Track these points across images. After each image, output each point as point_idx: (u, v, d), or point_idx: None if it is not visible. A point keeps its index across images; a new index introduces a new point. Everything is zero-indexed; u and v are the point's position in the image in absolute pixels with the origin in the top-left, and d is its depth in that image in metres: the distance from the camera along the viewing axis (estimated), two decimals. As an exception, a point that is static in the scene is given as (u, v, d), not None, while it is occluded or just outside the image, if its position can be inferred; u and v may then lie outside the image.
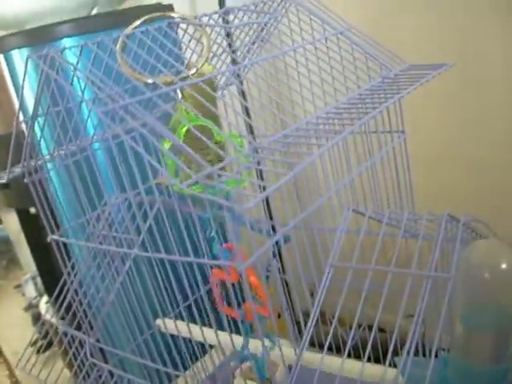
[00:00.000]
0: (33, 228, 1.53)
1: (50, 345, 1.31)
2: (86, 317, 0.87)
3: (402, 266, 0.70)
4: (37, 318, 3.01)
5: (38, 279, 3.33)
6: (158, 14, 0.65)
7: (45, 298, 1.79)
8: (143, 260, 0.72)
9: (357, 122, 0.59)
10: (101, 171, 0.82)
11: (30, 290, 3.33)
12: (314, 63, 0.72)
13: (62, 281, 0.87)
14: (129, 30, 0.62)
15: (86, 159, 0.79)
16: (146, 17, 0.64)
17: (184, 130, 0.62)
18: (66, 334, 0.85)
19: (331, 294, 0.68)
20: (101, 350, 0.85)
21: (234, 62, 0.90)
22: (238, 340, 0.78)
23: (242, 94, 1.04)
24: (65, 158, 0.75)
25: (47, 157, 0.74)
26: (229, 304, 0.76)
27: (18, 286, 3.59)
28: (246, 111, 1.16)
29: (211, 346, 0.79)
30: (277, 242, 0.62)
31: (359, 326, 0.82)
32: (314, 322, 0.67)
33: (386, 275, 0.63)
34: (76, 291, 0.84)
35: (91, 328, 0.84)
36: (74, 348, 0.83)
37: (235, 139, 0.62)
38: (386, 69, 0.77)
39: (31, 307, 3.23)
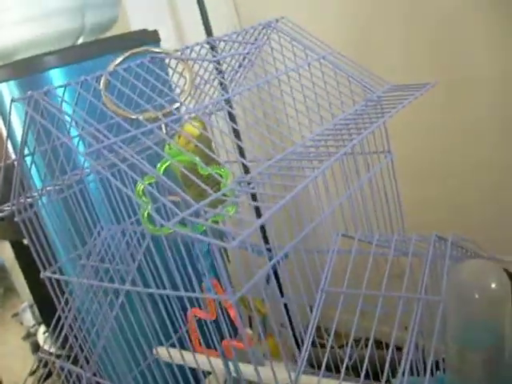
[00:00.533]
0: (27, 259, 1.53)
1: (50, 374, 1.31)
2: (83, 351, 0.87)
3: (395, 281, 0.71)
4: (36, 347, 2.99)
5: (35, 307, 3.31)
6: (140, 49, 0.66)
7: (42, 328, 1.79)
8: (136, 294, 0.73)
9: (344, 145, 0.60)
10: (88, 206, 0.82)
11: (28, 319, 3.31)
12: (299, 90, 0.73)
13: (57, 315, 0.87)
14: (111, 67, 0.62)
15: (73, 194, 0.80)
16: (128, 53, 0.65)
17: (164, 166, 0.63)
18: (62, 369, 0.85)
19: (326, 308, 0.68)
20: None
21: (224, 89, 0.91)
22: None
23: (231, 119, 1.05)
24: (52, 194, 0.75)
25: (36, 194, 0.74)
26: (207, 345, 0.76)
27: (16, 315, 3.57)
28: (237, 136, 1.16)
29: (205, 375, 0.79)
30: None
31: (355, 341, 0.82)
32: (309, 345, 0.68)
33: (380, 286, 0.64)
34: (71, 325, 0.84)
35: (88, 362, 0.83)
36: (72, 383, 0.82)
37: (218, 171, 0.62)
38: (369, 91, 0.77)
39: (30, 336, 3.21)
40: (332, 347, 0.66)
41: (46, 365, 1.03)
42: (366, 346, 0.66)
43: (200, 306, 0.77)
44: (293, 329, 0.83)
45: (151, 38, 1.38)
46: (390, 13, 1.26)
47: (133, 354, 0.85)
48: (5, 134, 1.27)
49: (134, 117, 0.58)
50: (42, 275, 0.77)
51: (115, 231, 0.82)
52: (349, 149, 0.71)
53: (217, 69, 0.84)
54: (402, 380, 0.60)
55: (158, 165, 0.62)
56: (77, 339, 0.87)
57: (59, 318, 0.86)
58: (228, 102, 0.89)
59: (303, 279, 0.74)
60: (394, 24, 1.26)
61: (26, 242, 1.50)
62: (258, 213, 1.31)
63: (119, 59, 0.64)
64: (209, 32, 1.60)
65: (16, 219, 0.73)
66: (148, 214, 0.66)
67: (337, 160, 0.60)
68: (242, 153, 1.13)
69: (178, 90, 0.70)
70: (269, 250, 0.87)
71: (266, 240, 1.20)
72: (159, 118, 0.56)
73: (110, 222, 0.77)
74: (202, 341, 0.76)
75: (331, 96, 0.75)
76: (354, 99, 0.76)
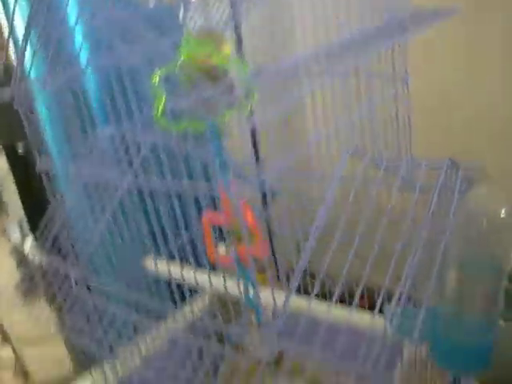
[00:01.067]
0: (20, 166, 1.51)
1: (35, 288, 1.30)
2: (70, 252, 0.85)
3: (392, 228, 0.69)
4: (22, 262, 3.00)
5: (24, 224, 3.32)
6: None
7: (30, 240, 1.78)
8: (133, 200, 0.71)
9: (359, 58, 0.57)
10: (91, 102, 0.79)
11: (15, 234, 3.32)
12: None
13: (49, 214, 0.85)
14: None
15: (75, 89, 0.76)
16: None
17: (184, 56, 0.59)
18: (50, 267, 0.83)
19: (319, 252, 0.66)
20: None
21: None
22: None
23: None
24: (54, 85, 0.72)
25: (38, 83, 0.71)
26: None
27: (3, 231, 3.57)
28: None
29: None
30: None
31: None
32: (305, 265, 0.66)
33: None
34: (63, 225, 0.82)
35: (77, 262, 0.82)
36: (59, 281, 0.81)
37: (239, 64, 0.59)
38: (392, 11, 0.74)
39: (16, 251, 3.22)
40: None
41: (30, 278, 1.02)
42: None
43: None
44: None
45: None
46: None
47: (122, 263, 0.84)
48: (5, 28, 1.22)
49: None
50: (37, 168, 0.74)
51: (116, 132, 0.79)
52: (365, 68, 0.69)
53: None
54: (397, 306, 0.59)
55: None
56: (66, 242, 0.86)
57: (51, 217, 0.85)
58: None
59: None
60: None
61: (20, 151, 1.48)
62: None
63: None
64: None
65: (15, 106, 0.70)
66: (161, 108, 0.63)
67: (353, 72, 0.58)
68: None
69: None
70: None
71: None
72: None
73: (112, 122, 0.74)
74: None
75: (352, 13, 0.72)
76: (374, 18, 0.72)
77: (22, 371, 2.47)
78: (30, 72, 0.72)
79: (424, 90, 1.11)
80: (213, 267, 0.74)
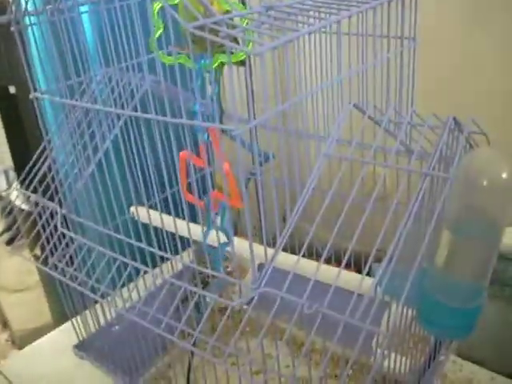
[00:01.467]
0: (11, 110, 1.47)
1: (17, 236, 1.28)
2: (57, 192, 0.84)
3: (389, 193, 0.68)
4: (7, 210, 2.97)
5: (11, 172, 3.28)
6: None
7: (16, 185, 1.75)
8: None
9: (366, 4, 0.55)
10: (88, 37, 0.76)
11: (1, 183, 3.28)
12: None
13: (38, 150, 0.83)
14: None
15: (72, 22, 0.72)
16: None
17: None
18: (37, 204, 0.82)
19: (310, 216, 0.65)
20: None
21: None
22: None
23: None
24: (51, 14, 0.69)
25: (38, 9, 0.68)
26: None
27: (-12, 179, 3.53)
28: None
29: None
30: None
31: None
32: (293, 224, 0.65)
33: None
34: (52, 162, 0.80)
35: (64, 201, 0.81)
36: (44, 219, 0.80)
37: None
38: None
39: (1, 199, 3.19)
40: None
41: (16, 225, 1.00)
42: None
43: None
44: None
45: None
46: None
47: (109, 207, 0.82)
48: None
49: None
50: (31, 96, 0.72)
51: (112, 74, 0.77)
52: (366, 22, 0.67)
53: None
54: (387, 266, 0.59)
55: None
56: (53, 181, 0.84)
57: (40, 154, 0.83)
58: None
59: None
60: None
61: (11, 90, 1.45)
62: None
63: None
64: None
65: (12, 28, 0.67)
66: (158, 38, 0.61)
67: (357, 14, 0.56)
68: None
69: None
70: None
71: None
72: None
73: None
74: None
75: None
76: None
77: (0, 319, 2.47)
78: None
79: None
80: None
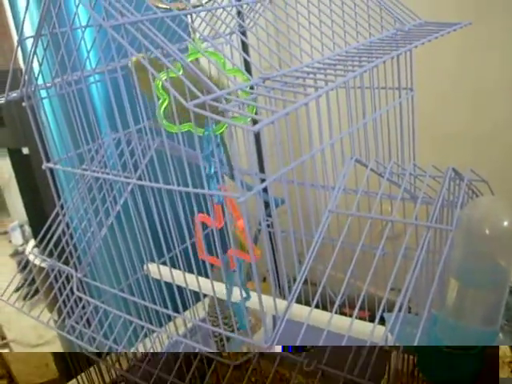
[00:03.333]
0: (25, 169, 1.51)
1: (36, 293, 1.29)
2: (72, 256, 0.86)
3: (398, 233, 0.69)
4: (23, 266, 3.01)
5: (26, 227, 3.32)
6: None
7: (32, 243, 1.78)
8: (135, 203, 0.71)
9: (363, 67, 0.57)
10: (96, 106, 0.79)
11: (17, 238, 3.32)
12: (326, 5, 0.70)
13: (53, 215, 0.86)
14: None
15: (80, 92, 0.75)
16: None
17: (193, 57, 0.60)
18: (52, 269, 0.84)
19: (322, 262, 0.66)
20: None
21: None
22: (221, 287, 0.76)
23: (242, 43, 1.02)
24: (60, 88, 0.72)
25: (47, 84, 0.71)
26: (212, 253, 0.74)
27: (5, 233, 3.58)
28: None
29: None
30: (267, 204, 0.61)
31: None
32: (305, 275, 0.66)
33: (380, 240, 0.62)
34: (66, 227, 0.82)
35: (79, 264, 0.83)
36: (60, 283, 0.82)
37: (238, 74, 0.59)
38: (400, 22, 0.75)
39: (17, 254, 3.23)
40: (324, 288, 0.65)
41: (32, 282, 1.02)
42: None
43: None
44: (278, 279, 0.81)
45: None
46: None
47: (123, 266, 0.84)
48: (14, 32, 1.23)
49: (162, 5, 0.56)
50: (43, 166, 0.74)
51: (121, 137, 0.79)
52: (370, 80, 0.70)
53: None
54: (398, 315, 0.59)
55: (185, 55, 0.60)
56: (68, 245, 0.86)
57: (54, 219, 0.85)
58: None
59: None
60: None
61: (25, 151, 1.49)
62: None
63: None
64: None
65: (24, 104, 0.70)
66: (164, 110, 0.64)
67: (353, 78, 0.58)
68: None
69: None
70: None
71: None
72: (188, 9, 0.53)
73: (115, 126, 0.74)
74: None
75: (360, 18, 0.72)
76: (383, 26, 0.73)
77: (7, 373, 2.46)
78: (38, 76, 0.73)
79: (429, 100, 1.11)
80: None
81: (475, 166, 0.66)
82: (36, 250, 1.68)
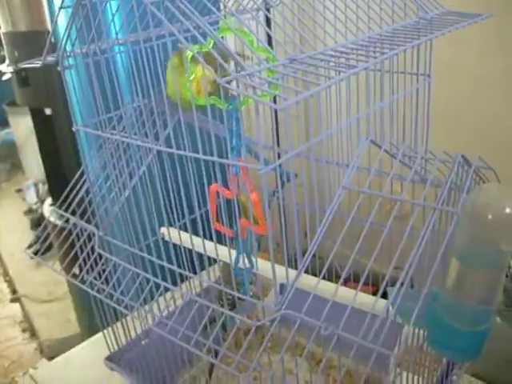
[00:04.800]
0: (46, 129, 1.55)
1: (46, 250, 1.34)
2: (94, 215, 0.90)
3: (406, 214, 0.72)
4: (36, 223, 3.07)
5: (40, 185, 3.38)
6: None
7: (48, 201, 1.83)
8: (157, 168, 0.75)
9: (389, 51, 0.60)
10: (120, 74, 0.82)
11: (31, 196, 3.39)
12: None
13: (76, 175, 0.89)
14: None
15: (108, 61, 0.78)
16: None
17: (221, 35, 0.63)
18: (75, 226, 0.88)
19: (330, 236, 0.70)
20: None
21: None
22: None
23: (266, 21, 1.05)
24: (95, 54, 0.75)
25: (81, 50, 0.74)
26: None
27: (20, 191, 3.65)
28: (268, 40, 1.15)
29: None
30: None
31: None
32: (314, 249, 0.70)
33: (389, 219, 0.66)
34: (90, 187, 0.86)
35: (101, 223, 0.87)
36: (82, 241, 0.86)
37: (265, 53, 0.63)
38: (423, 10, 0.77)
39: (31, 212, 3.30)
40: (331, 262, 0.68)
41: (46, 239, 1.06)
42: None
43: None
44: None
45: None
46: None
47: (142, 228, 0.88)
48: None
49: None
50: (74, 128, 0.78)
51: (145, 105, 0.82)
52: (390, 63, 0.72)
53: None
54: (400, 289, 0.63)
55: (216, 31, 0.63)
56: (90, 204, 0.90)
57: (78, 179, 0.89)
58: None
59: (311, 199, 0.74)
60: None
61: (47, 111, 1.52)
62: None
63: None
64: None
65: (59, 68, 0.73)
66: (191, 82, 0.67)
67: (374, 65, 0.60)
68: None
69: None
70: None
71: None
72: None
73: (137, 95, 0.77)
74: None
75: (384, 7, 0.75)
76: (406, 14, 0.75)
77: (29, 328, 2.54)
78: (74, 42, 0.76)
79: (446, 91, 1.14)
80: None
81: (485, 154, 0.69)
82: (53, 208, 1.73)
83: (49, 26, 1.33)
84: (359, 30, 0.68)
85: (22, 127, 3.26)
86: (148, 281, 0.78)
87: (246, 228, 0.76)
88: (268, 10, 0.97)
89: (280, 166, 0.60)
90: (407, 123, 0.79)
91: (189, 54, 0.64)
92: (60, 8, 0.67)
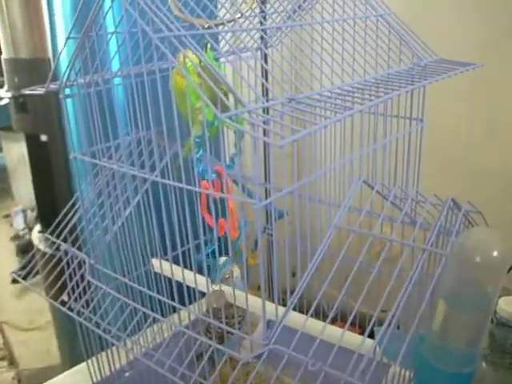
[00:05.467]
0: (41, 155, 1.55)
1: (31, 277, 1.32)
2: (85, 242, 0.90)
3: (395, 256, 0.74)
4: (22, 250, 3.05)
5: (29, 212, 3.37)
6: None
7: (37, 228, 1.82)
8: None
9: (383, 95, 0.62)
10: (119, 106, 0.83)
11: (19, 222, 3.37)
12: (350, 35, 0.75)
13: (70, 203, 0.90)
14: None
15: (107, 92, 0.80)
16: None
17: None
18: (66, 253, 0.88)
19: (319, 274, 0.71)
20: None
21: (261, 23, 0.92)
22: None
23: (265, 58, 1.07)
24: (97, 85, 0.77)
25: (83, 80, 0.76)
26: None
27: (7, 216, 3.63)
28: (265, 77, 1.17)
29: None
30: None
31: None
32: (305, 284, 0.70)
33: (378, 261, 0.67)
34: (84, 215, 0.87)
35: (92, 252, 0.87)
36: (72, 268, 0.86)
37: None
38: (417, 57, 0.79)
39: (18, 238, 3.28)
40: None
41: (33, 266, 1.06)
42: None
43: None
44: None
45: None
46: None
47: (134, 258, 0.89)
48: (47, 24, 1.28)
49: (182, 16, 0.60)
50: (71, 156, 0.79)
51: (144, 137, 0.84)
52: (383, 107, 0.74)
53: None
54: (387, 329, 0.63)
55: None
56: (82, 232, 0.91)
57: (70, 208, 0.90)
58: (266, 42, 0.91)
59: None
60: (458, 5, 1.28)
61: (43, 138, 1.53)
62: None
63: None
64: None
65: (61, 96, 0.75)
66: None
67: (372, 112, 0.62)
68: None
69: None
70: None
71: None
72: (224, 24, 0.58)
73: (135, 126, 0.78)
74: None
75: (380, 50, 0.77)
76: (401, 60, 0.78)
77: (9, 356, 2.50)
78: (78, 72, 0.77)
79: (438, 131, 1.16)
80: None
81: (475, 197, 0.71)
82: (42, 234, 1.73)
83: (50, 54, 1.34)
84: (355, 73, 0.70)
85: (15, 152, 3.26)
86: (136, 311, 0.78)
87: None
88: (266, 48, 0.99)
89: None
90: (399, 165, 0.80)
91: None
92: (67, 38, 0.69)
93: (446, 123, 1.32)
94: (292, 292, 0.70)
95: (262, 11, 0.78)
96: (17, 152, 3.17)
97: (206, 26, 0.62)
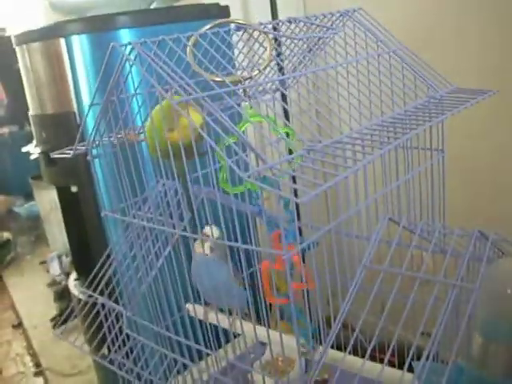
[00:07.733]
0: (72, 205, 1.59)
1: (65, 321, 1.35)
2: (121, 295, 0.92)
3: (424, 286, 0.74)
4: (59, 296, 3.09)
5: (64, 257, 3.42)
6: (227, 20, 0.70)
7: (73, 275, 1.86)
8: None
9: (401, 136, 0.63)
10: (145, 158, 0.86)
11: (55, 268, 3.42)
12: (365, 75, 0.76)
13: (103, 256, 0.92)
14: (202, 30, 0.67)
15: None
16: (218, 21, 0.69)
17: (245, 126, 0.67)
18: (103, 307, 0.90)
19: (354, 308, 0.71)
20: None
21: (281, 70, 0.94)
22: (262, 331, 0.82)
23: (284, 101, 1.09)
24: (119, 145, 0.79)
25: (107, 140, 0.79)
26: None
27: (43, 263, 3.68)
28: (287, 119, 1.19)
29: (234, 336, 0.84)
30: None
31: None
32: (342, 320, 0.71)
33: (411, 288, 0.67)
34: (118, 268, 0.89)
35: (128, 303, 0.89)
36: (110, 321, 0.88)
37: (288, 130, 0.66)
38: (432, 89, 0.80)
39: (54, 284, 3.32)
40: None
41: (71, 311, 1.08)
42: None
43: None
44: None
45: (222, 12, 1.43)
46: (462, 13, 1.29)
47: (168, 306, 0.90)
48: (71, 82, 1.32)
49: (219, 79, 0.63)
50: (102, 214, 0.82)
51: (170, 186, 0.86)
52: (403, 142, 0.75)
53: (276, 50, 0.87)
54: (425, 364, 0.64)
55: (240, 125, 0.67)
56: (118, 285, 0.93)
57: (105, 260, 0.92)
58: (284, 84, 0.93)
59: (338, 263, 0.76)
60: (465, 25, 1.29)
61: (73, 189, 1.57)
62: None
63: (209, 25, 0.68)
64: (274, 13, 1.65)
65: (88, 158, 0.78)
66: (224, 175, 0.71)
67: (388, 151, 0.63)
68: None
69: (256, 59, 0.74)
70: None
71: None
72: (241, 82, 0.60)
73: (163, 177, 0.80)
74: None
75: (395, 87, 0.78)
76: (417, 94, 0.79)
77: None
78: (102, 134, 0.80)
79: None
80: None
81: (504, 222, 0.71)
82: (77, 282, 1.76)
83: (75, 107, 1.39)
84: (373, 115, 0.72)
85: (47, 200, 3.33)
86: (176, 360, 0.80)
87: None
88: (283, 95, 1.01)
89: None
90: (423, 198, 0.81)
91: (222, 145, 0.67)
92: (90, 105, 0.72)
93: (467, 150, 1.32)
94: (327, 320, 0.71)
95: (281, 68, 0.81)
96: (49, 199, 3.23)
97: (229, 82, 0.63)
